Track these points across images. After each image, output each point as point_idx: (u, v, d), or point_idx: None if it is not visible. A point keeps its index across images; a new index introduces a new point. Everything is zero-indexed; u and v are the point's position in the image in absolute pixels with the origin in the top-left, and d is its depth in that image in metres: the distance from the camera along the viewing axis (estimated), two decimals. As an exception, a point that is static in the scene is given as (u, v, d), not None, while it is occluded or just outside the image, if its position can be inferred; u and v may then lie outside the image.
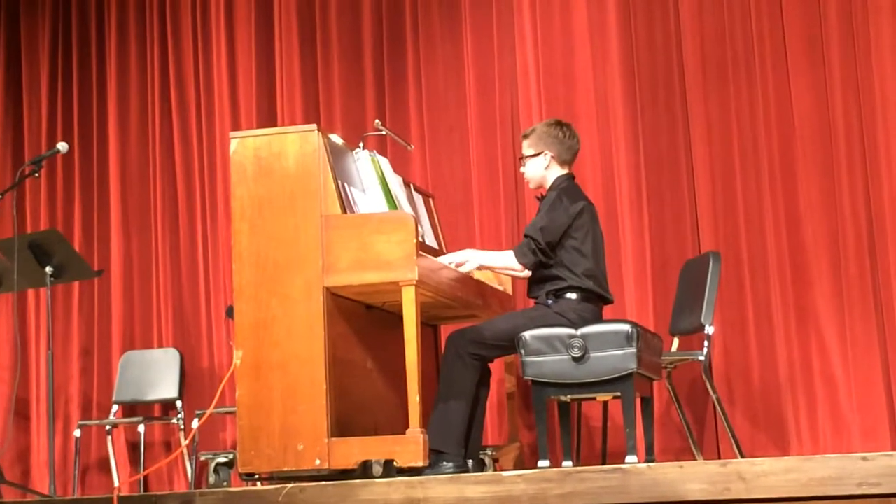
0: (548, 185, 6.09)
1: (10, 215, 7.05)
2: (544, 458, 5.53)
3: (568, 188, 6.01)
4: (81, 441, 8.27)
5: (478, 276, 6.34)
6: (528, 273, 5.99)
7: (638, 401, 5.73)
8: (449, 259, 6.00)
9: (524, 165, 6.18)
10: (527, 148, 6.15)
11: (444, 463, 5.59)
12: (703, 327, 6.45)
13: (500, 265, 6.05)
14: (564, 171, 6.10)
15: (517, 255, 5.88)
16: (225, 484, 6.28)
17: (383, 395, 6.00)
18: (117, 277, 8.68)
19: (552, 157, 6.07)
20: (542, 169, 6.10)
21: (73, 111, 9.05)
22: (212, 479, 6.30)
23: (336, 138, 5.92)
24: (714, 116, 7.36)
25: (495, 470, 6.55)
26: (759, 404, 7.09)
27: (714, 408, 6.81)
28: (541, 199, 6.08)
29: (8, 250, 6.80)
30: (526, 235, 5.91)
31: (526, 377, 5.61)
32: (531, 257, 5.86)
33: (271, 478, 5.54)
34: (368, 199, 5.94)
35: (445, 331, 6.57)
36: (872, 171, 6.98)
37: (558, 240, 5.87)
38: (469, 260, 6.02)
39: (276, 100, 8.45)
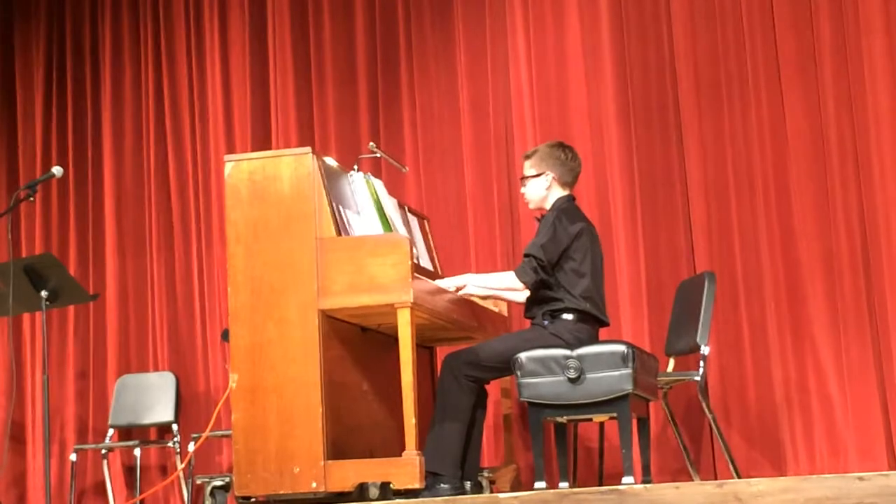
0: (548, 206, 6.08)
1: (5, 239, 7.05)
2: (541, 479, 5.53)
3: (567, 209, 6.01)
4: (77, 465, 8.26)
5: (474, 298, 6.34)
6: (525, 294, 5.99)
7: (634, 421, 5.72)
8: (448, 283, 6.00)
9: (525, 186, 6.17)
10: (528, 168, 6.15)
11: (441, 485, 5.58)
12: (698, 347, 6.45)
13: (501, 286, 6.05)
14: (565, 192, 6.10)
15: (518, 275, 5.87)
16: (221, 508, 6.28)
17: (379, 417, 6.00)
18: (112, 301, 8.67)
19: (554, 178, 6.07)
20: (543, 190, 6.09)
21: (67, 135, 9.05)
22: (208, 502, 6.30)
23: (330, 161, 5.93)
24: (708, 136, 7.37)
25: (492, 491, 6.54)
26: (755, 424, 7.09)
27: (710, 428, 6.81)
28: (540, 219, 6.07)
29: (3, 274, 6.79)
30: (526, 255, 5.89)
31: (522, 399, 5.61)
32: (532, 275, 5.85)
33: (267, 501, 5.53)
34: (363, 222, 5.94)
35: (441, 352, 6.57)
36: (866, 190, 6.99)
37: (558, 260, 5.87)
38: (468, 283, 6.03)
39: (271, 123, 8.46)
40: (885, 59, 7.04)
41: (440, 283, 5.98)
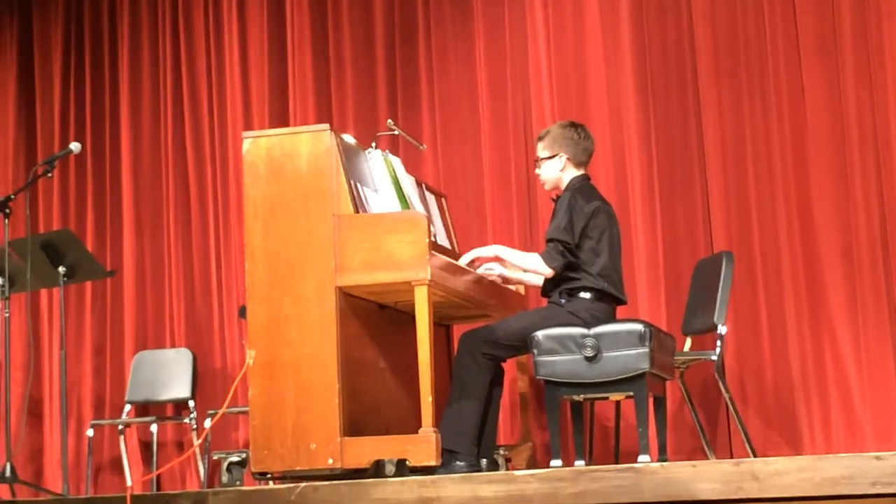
0: (563, 186, 6.07)
1: (23, 215, 7.05)
2: (557, 457, 5.53)
3: (582, 188, 6.00)
4: (94, 440, 8.29)
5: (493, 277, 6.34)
6: (543, 277, 5.98)
7: (651, 400, 5.72)
8: (476, 253, 6.01)
9: (539, 167, 6.16)
10: (542, 150, 6.14)
11: (457, 462, 5.59)
12: (715, 327, 6.44)
13: (528, 266, 6.03)
14: (580, 172, 6.09)
15: (546, 260, 5.85)
16: (238, 483, 6.29)
17: (395, 394, 6.00)
18: (130, 277, 8.70)
19: (567, 158, 6.06)
20: (557, 171, 6.08)
21: (85, 111, 9.07)
22: (224, 478, 6.30)
23: (348, 138, 5.92)
24: (727, 116, 7.35)
25: (508, 469, 6.55)
26: (771, 404, 7.08)
27: (727, 407, 6.81)
28: (556, 200, 6.06)
29: (21, 250, 6.81)
30: (551, 240, 5.87)
31: (538, 377, 5.61)
32: (560, 259, 5.83)
33: (284, 477, 5.54)
34: (381, 199, 5.94)
35: (458, 330, 6.57)
36: (886, 171, 6.96)
37: (577, 240, 5.86)
38: (498, 253, 6.04)
39: (289, 99, 8.46)
40: (905, 39, 7.01)
41: (468, 254, 6.00)
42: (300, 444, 5.39)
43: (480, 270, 6.09)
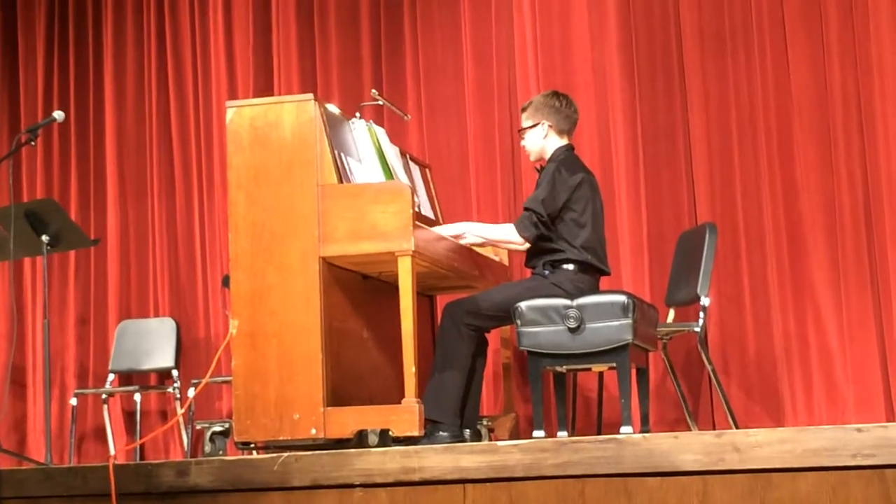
0: (547, 156, 6.07)
1: (7, 184, 7.03)
2: (539, 428, 5.55)
3: (567, 159, 5.99)
4: (77, 409, 8.30)
5: (474, 246, 6.34)
6: (527, 245, 5.99)
7: (633, 372, 5.73)
8: (445, 231, 5.99)
9: (524, 138, 6.16)
10: (525, 120, 6.14)
11: (440, 433, 5.61)
12: (698, 298, 6.45)
13: (500, 238, 6.04)
14: (564, 141, 6.08)
15: (518, 229, 5.86)
16: (221, 453, 6.29)
17: (379, 364, 6.00)
18: (114, 246, 8.68)
19: (550, 126, 6.06)
20: (540, 139, 6.08)
21: (69, 80, 9.03)
22: (207, 448, 6.31)
23: (332, 108, 5.90)
24: (711, 88, 7.35)
25: (491, 440, 6.56)
26: (754, 375, 7.10)
27: (709, 379, 6.83)
28: (540, 170, 6.06)
29: (4, 219, 6.78)
30: (526, 209, 5.88)
31: (522, 348, 5.62)
32: (532, 230, 5.84)
33: (267, 447, 5.55)
34: (365, 169, 5.93)
35: (441, 301, 6.58)
36: (869, 143, 6.97)
37: (558, 212, 5.86)
38: (467, 231, 6.02)
39: (273, 69, 8.43)
40: (890, 14, 6.98)
41: (436, 230, 5.98)
42: (283, 414, 5.39)
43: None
